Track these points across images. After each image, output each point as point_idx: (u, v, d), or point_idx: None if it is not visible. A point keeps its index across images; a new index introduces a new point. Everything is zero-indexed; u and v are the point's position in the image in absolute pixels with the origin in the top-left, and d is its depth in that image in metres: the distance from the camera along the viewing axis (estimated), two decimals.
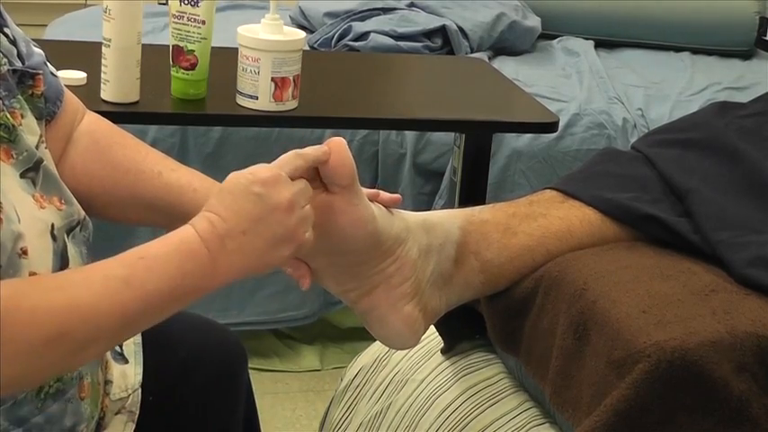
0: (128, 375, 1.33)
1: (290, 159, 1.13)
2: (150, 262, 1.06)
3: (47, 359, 1.02)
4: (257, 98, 1.87)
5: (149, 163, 1.30)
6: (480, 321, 1.42)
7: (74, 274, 1.09)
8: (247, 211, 1.09)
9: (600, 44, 3.16)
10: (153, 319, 1.08)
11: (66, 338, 1.01)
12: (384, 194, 1.24)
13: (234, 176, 1.11)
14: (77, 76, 1.90)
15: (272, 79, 1.86)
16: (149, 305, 1.05)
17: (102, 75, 1.84)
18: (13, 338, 0.98)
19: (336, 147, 1.15)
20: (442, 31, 2.87)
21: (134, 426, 1.31)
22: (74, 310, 1.02)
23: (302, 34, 1.91)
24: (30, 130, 1.15)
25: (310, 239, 1.13)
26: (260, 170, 1.11)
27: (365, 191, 1.20)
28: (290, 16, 3.06)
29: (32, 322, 0.99)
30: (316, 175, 1.15)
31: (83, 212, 1.20)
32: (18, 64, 1.19)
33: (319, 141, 2.50)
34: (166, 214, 1.28)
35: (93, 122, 1.34)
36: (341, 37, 2.84)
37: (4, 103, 1.12)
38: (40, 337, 1.00)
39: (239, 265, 1.09)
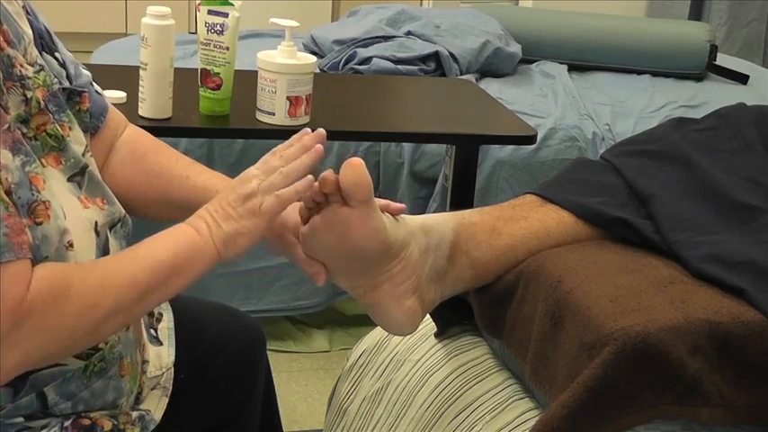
0: (162, 356, 1.34)
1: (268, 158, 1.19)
2: (151, 241, 1.11)
3: (80, 329, 1.03)
4: (274, 114, 1.87)
5: (179, 168, 1.30)
6: (469, 309, 1.42)
7: (100, 260, 1.13)
8: (220, 197, 1.15)
9: (572, 68, 3.16)
10: (161, 288, 1.10)
11: (95, 310, 1.04)
12: (393, 205, 1.23)
13: None
14: (118, 95, 1.90)
15: (287, 98, 1.86)
16: (154, 274, 1.08)
17: (140, 94, 1.84)
18: (53, 311, 1.00)
19: (356, 167, 1.13)
20: (435, 56, 2.86)
21: (167, 399, 1.31)
22: (99, 286, 1.05)
23: (313, 59, 1.91)
24: (77, 140, 1.15)
25: (273, 202, 1.14)
26: None
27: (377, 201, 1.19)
28: (302, 43, 3.06)
29: (69, 297, 1.01)
30: (336, 191, 1.14)
31: (123, 211, 1.20)
32: (66, 84, 1.19)
33: (328, 152, 2.49)
34: (194, 213, 1.28)
35: (132, 134, 1.34)
36: (347, 61, 2.83)
37: (54, 117, 1.12)
38: (74, 309, 1.02)
39: (218, 231, 1.13)
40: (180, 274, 1.10)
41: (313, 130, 1.17)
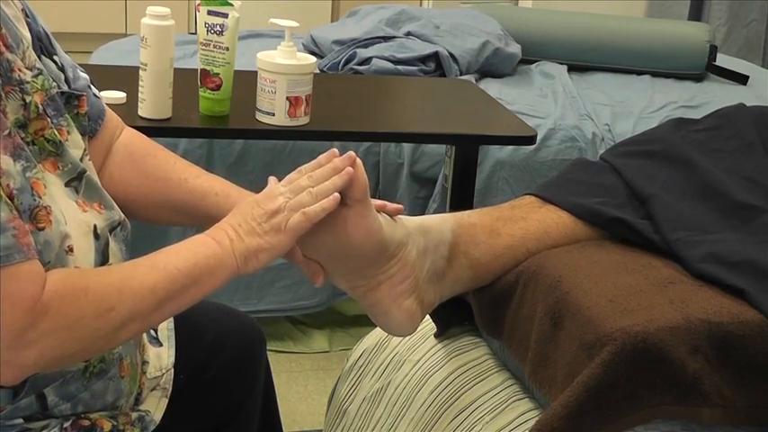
0: (162, 357, 1.34)
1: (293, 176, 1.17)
2: (171, 250, 1.11)
3: (97, 332, 1.03)
4: (274, 114, 1.87)
5: (177, 171, 1.30)
6: (469, 309, 1.42)
7: (117, 266, 1.13)
8: (243, 211, 1.15)
9: (572, 68, 3.16)
10: (179, 297, 1.10)
11: (113, 313, 1.03)
12: (390, 205, 1.23)
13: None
14: (118, 95, 1.90)
15: (287, 98, 1.86)
16: (173, 283, 1.08)
17: (140, 94, 1.84)
18: (70, 312, 1.00)
19: (354, 165, 1.14)
20: (435, 56, 2.86)
21: (167, 400, 1.31)
22: (116, 289, 1.04)
23: (313, 59, 1.91)
24: (75, 144, 1.15)
25: (299, 219, 1.13)
26: None
27: (373, 202, 1.19)
28: (302, 43, 3.06)
29: (86, 298, 1.01)
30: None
31: (122, 215, 1.20)
32: (65, 87, 1.19)
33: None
34: (192, 215, 1.29)
35: (129, 137, 1.34)
36: (347, 61, 2.83)
37: (52, 122, 1.12)
38: (91, 311, 1.01)
39: (240, 245, 1.13)
40: (198, 285, 1.10)
41: (341, 153, 1.16)
